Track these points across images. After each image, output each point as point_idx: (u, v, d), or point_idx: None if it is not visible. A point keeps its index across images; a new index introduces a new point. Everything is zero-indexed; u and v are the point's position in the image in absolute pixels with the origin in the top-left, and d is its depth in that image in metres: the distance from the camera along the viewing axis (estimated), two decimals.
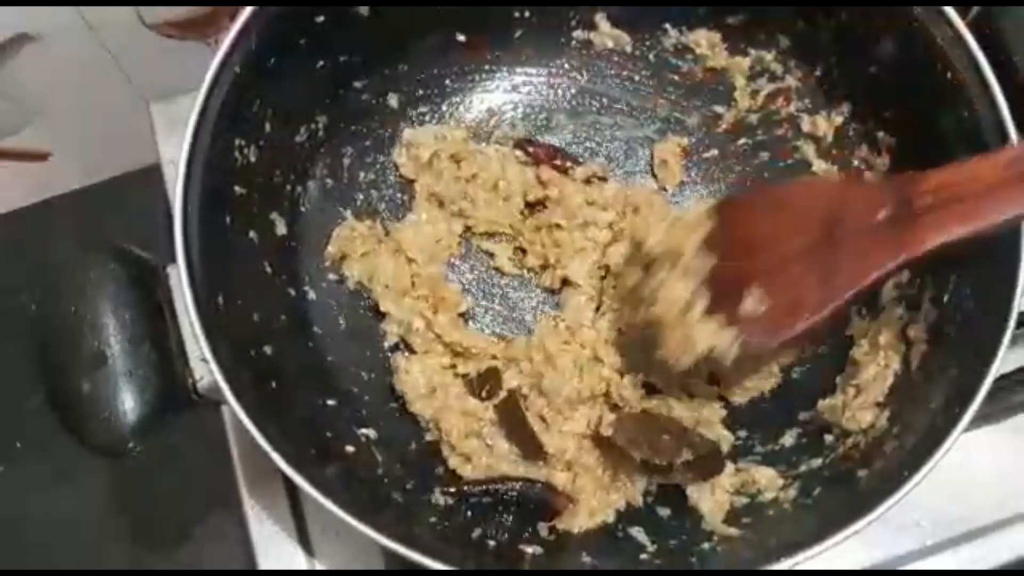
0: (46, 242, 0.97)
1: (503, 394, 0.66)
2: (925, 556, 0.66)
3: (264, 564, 0.69)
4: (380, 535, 0.52)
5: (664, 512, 0.63)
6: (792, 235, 0.57)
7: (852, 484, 0.57)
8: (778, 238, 0.57)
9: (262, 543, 0.70)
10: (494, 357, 0.68)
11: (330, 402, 0.64)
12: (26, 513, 1.00)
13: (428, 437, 0.66)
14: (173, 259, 0.57)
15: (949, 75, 0.59)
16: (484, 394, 0.66)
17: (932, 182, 0.51)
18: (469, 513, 0.62)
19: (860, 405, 0.62)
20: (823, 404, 0.64)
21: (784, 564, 0.52)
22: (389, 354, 0.69)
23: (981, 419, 0.54)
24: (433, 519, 0.60)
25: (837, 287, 0.54)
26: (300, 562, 0.69)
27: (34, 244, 1.01)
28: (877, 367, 0.63)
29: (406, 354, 0.68)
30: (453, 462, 0.65)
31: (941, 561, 0.66)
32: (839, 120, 0.69)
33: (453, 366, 0.68)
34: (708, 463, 0.62)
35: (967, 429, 0.53)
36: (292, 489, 0.70)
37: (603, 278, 0.70)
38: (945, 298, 0.60)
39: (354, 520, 0.52)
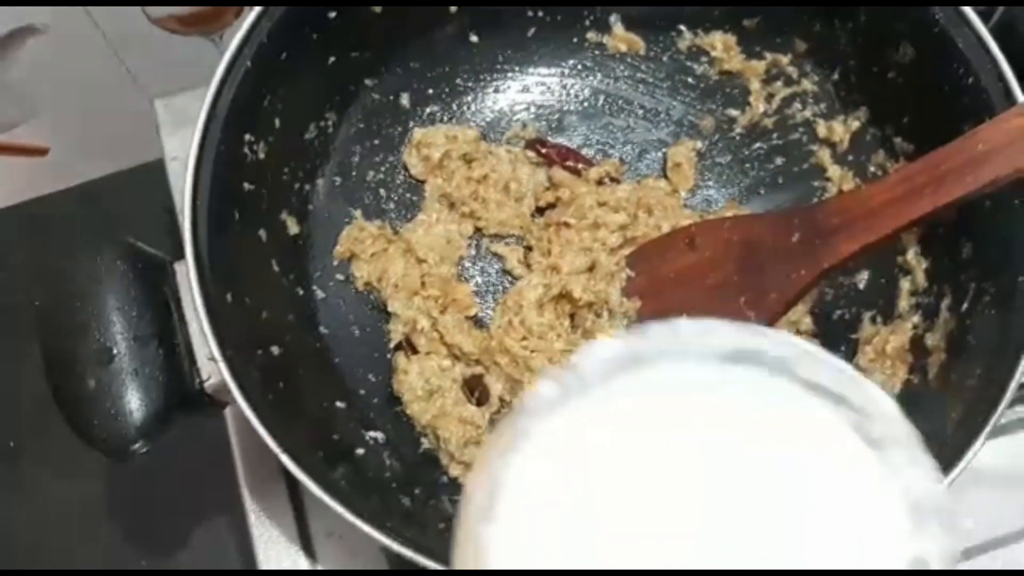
0: (46, 238, 0.96)
1: (495, 402, 0.65)
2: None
3: (265, 566, 0.68)
4: (392, 540, 0.51)
5: None
6: (714, 265, 0.63)
7: None
8: (701, 270, 0.64)
9: (263, 545, 0.69)
10: (477, 362, 0.67)
11: (338, 404, 0.63)
12: (24, 514, 0.99)
13: (425, 444, 0.65)
14: (178, 256, 0.56)
15: (970, 80, 0.59)
16: (476, 400, 0.65)
17: (834, 207, 0.59)
18: None
19: None
20: None
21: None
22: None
23: (1000, 428, 0.54)
24: (442, 525, 0.59)
25: (770, 302, 0.61)
26: (302, 564, 0.68)
27: (34, 239, 1.00)
28: (883, 375, 0.62)
29: (408, 354, 0.67)
30: (454, 471, 0.64)
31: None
32: (856, 125, 0.69)
33: (453, 369, 0.67)
34: None
35: (987, 439, 0.52)
36: (294, 491, 0.69)
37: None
38: (964, 307, 0.59)
39: (364, 525, 0.51)
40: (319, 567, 0.68)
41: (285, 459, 0.53)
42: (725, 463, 0.34)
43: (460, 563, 0.33)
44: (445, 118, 0.73)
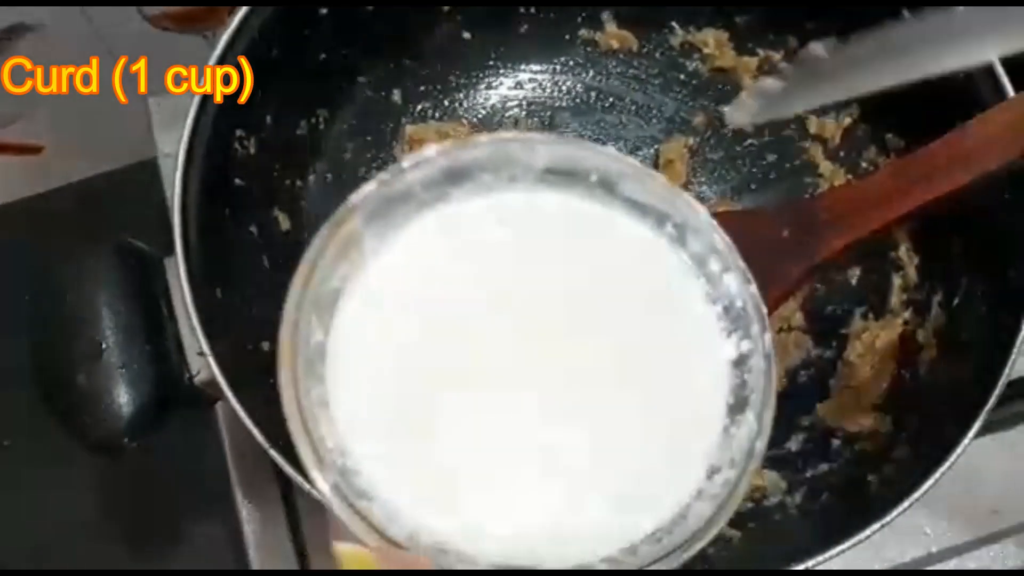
0: (40, 235, 0.96)
1: None
2: (931, 563, 0.65)
3: (257, 565, 0.68)
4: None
5: None
6: None
7: (861, 490, 0.56)
8: None
9: (255, 544, 0.69)
10: None
11: None
12: (16, 514, 0.99)
13: None
14: (170, 252, 0.56)
15: (961, 76, 0.59)
16: None
17: (825, 202, 0.58)
18: None
19: (858, 408, 0.61)
20: (821, 408, 0.64)
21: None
22: None
23: (990, 425, 0.54)
24: None
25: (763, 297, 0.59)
26: (293, 563, 0.68)
27: (28, 237, 1.00)
28: (872, 369, 0.62)
29: None
30: None
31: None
32: (847, 121, 0.69)
33: None
34: None
35: (977, 435, 0.52)
36: (286, 489, 0.69)
37: None
38: (955, 302, 0.60)
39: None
40: (311, 566, 0.68)
41: (276, 456, 0.53)
42: (556, 282, 0.35)
43: (283, 373, 0.33)
44: (437, 115, 0.73)
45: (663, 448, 0.34)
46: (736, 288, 0.35)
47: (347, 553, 0.31)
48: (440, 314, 0.34)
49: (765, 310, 0.34)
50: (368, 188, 0.34)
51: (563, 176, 0.36)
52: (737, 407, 0.34)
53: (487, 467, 0.33)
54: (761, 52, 0.71)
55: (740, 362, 0.34)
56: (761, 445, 0.33)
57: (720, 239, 0.35)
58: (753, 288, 0.34)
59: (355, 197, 0.34)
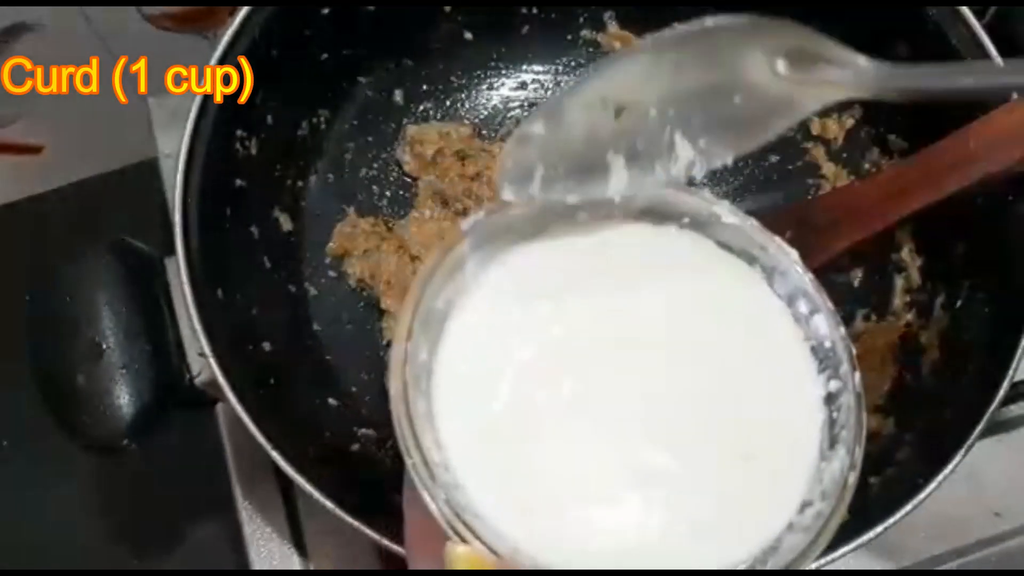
0: (40, 235, 0.96)
1: None
2: (932, 565, 0.65)
3: (257, 565, 0.68)
4: (384, 537, 0.51)
5: None
6: None
7: (864, 491, 0.55)
8: None
9: (255, 544, 0.69)
10: None
11: (331, 401, 0.63)
12: (15, 513, 0.99)
13: None
14: (171, 252, 0.56)
15: None
16: None
17: (827, 203, 0.60)
18: None
19: None
20: None
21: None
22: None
23: (993, 427, 0.54)
24: None
25: None
26: (294, 563, 0.68)
27: (28, 237, 1.00)
28: (874, 371, 0.62)
29: None
30: None
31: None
32: (850, 123, 0.69)
33: None
34: None
35: (980, 437, 0.52)
36: (287, 489, 0.69)
37: None
38: (958, 304, 0.59)
39: (355, 521, 0.51)
40: (311, 566, 0.68)
41: (276, 456, 0.53)
42: (655, 315, 0.37)
43: (395, 386, 0.33)
44: (439, 115, 0.73)
45: (756, 480, 0.35)
46: (825, 329, 0.36)
47: (462, 555, 0.31)
48: (540, 340, 0.36)
49: (854, 350, 0.35)
50: (477, 216, 0.36)
51: (657, 217, 0.37)
52: (829, 443, 0.35)
53: (582, 488, 0.34)
54: None
55: (830, 400, 0.35)
56: (854, 478, 0.34)
57: (809, 282, 0.36)
58: (842, 329, 0.36)
59: (465, 224, 0.36)
